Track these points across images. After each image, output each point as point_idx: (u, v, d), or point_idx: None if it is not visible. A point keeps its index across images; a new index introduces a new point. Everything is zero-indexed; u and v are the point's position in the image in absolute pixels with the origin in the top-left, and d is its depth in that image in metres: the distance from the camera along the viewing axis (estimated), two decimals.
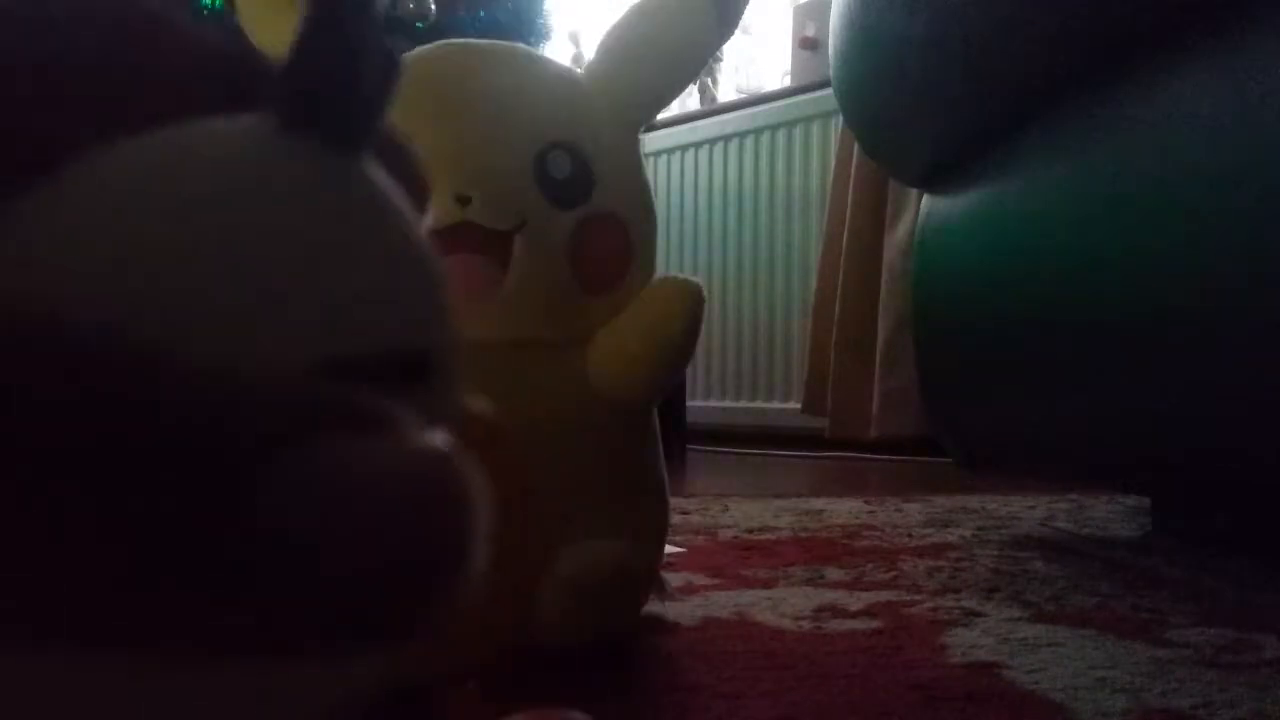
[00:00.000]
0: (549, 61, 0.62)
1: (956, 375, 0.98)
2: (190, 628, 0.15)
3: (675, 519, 1.00)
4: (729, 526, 1.05)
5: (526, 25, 1.58)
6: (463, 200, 0.52)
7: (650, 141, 2.49)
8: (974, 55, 0.81)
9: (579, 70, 0.60)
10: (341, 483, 0.15)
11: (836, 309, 2.11)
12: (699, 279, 0.56)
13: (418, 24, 1.47)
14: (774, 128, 2.37)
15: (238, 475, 0.15)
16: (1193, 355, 0.67)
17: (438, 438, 0.17)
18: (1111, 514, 1.16)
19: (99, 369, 0.15)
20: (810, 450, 2.13)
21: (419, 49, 0.59)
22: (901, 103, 0.95)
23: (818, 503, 1.28)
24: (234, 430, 0.15)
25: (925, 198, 1.04)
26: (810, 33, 2.33)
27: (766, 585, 0.74)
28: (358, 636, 0.16)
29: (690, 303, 0.55)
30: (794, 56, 2.42)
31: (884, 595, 0.71)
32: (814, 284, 2.21)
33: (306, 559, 0.15)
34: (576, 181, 0.55)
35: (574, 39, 2.64)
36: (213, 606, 0.15)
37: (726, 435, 2.33)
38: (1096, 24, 0.73)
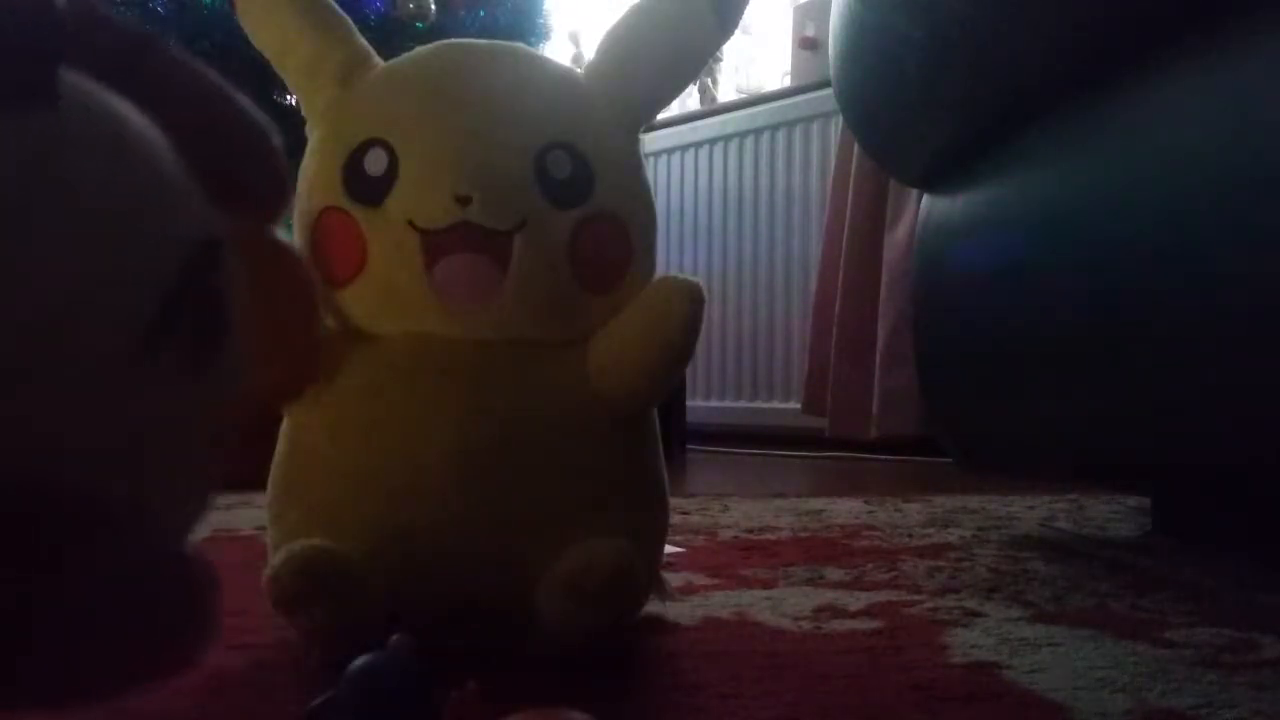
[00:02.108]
0: (549, 61, 0.62)
1: (956, 375, 0.98)
2: None
3: (675, 519, 1.00)
4: (729, 526, 1.05)
5: (526, 25, 1.58)
6: (463, 200, 0.52)
7: (650, 141, 2.49)
8: (974, 55, 0.81)
9: (579, 70, 0.60)
10: (97, 582, 0.18)
11: (836, 309, 2.11)
12: (699, 279, 0.56)
13: (418, 24, 1.47)
14: (774, 128, 2.37)
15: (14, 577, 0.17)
16: (1193, 355, 0.67)
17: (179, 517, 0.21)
18: (1111, 514, 1.16)
19: None
20: (810, 450, 2.13)
21: (419, 49, 0.59)
22: (901, 103, 0.95)
23: (818, 503, 1.28)
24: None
25: (925, 198, 1.04)
26: (810, 33, 2.33)
27: (766, 585, 0.74)
28: None
29: (690, 303, 0.55)
30: (794, 56, 2.42)
31: (884, 595, 0.71)
32: (814, 284, 2.21)
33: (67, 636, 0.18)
34: (576, 181, 0.55)
35: (574, 39, 2.65)
36: None
37: (726, 435, 2.33)
38: (1096, 24, 0.73)
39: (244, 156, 0.23)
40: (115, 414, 0.19)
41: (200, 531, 0.25)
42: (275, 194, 0.24)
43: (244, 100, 0.23)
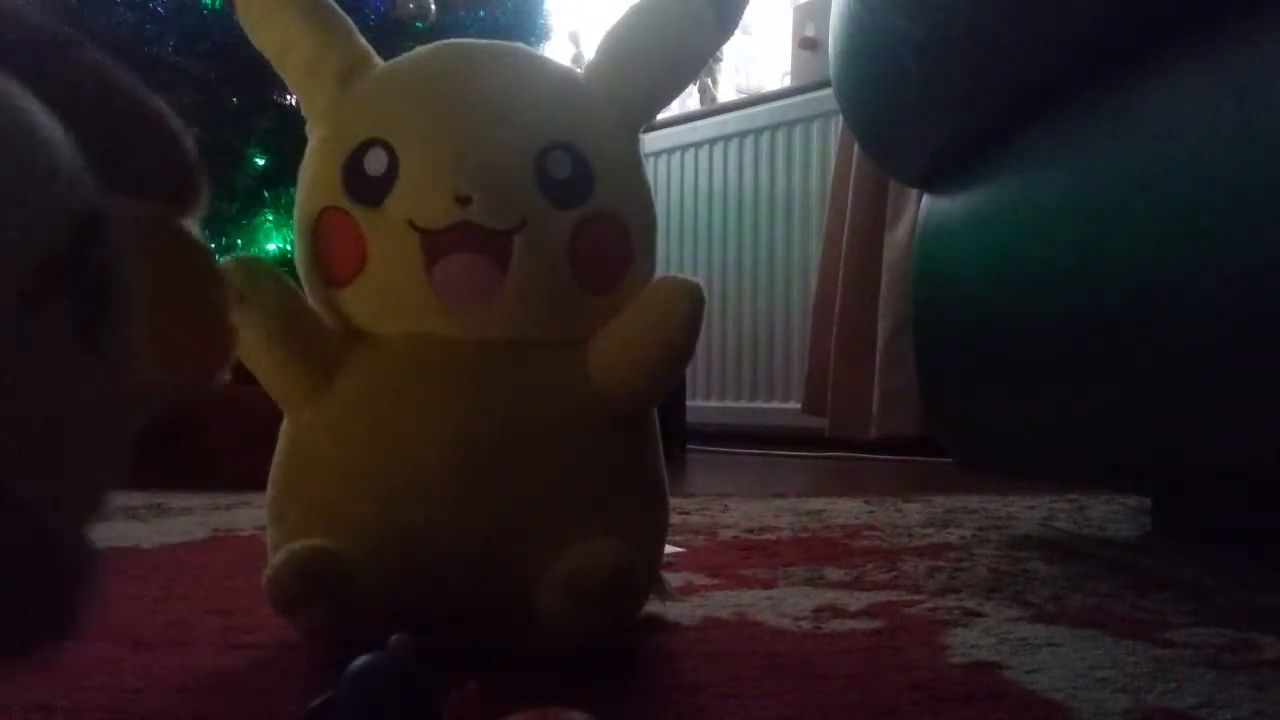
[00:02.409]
0: (549, 61, 0.62)
1: (956, 375, 0.98)
2: None
3: (675, 519, 1.00)
4: (729, 526, 1.05)
5: (526, 25, 1.59)
6: (463, 200, 0.52)
7: (650, 141, 2.49)
8: (974, 55, 0.81)
9: (579, 70, 0.60)
10: None
11: (836, 309, 2.11)
12: (699, 279, 0.56)
13: (418, 24, 1.47)
14: (774, 128, 2.37)
15: None
16: (1193, 355, 0.67)
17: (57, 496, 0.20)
18: (1111, 514, 1.16)
19: None
20: (810, 450, 2.13)
21: (419, 49, 0.59)
22: (901, 103, 0.95)
23: (818, 503, 1.28)
24: None
25: (925, 198, 1.04)
26: (810, 33, 2.33)
27: (766, 585, 0.74)
28: None
29: (690, 303, 0.55)
30: (794, 56, 2.42)
31: (884, 595, 0.71)
32: (814, 284, 2.21)
33: None
34: (576, 181, 0.55)
35: (574, 39, 2.65)
36: None
37: (726, 435, 2.33)
38: (1096, 24, 0.73)
39: (150, 151, 0.23)
40: None
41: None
42: (184, 187, 0.24)
43: (155, 101, 0.24)
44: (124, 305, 0.22)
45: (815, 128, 2.30)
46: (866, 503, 1.28)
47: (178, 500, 1.23)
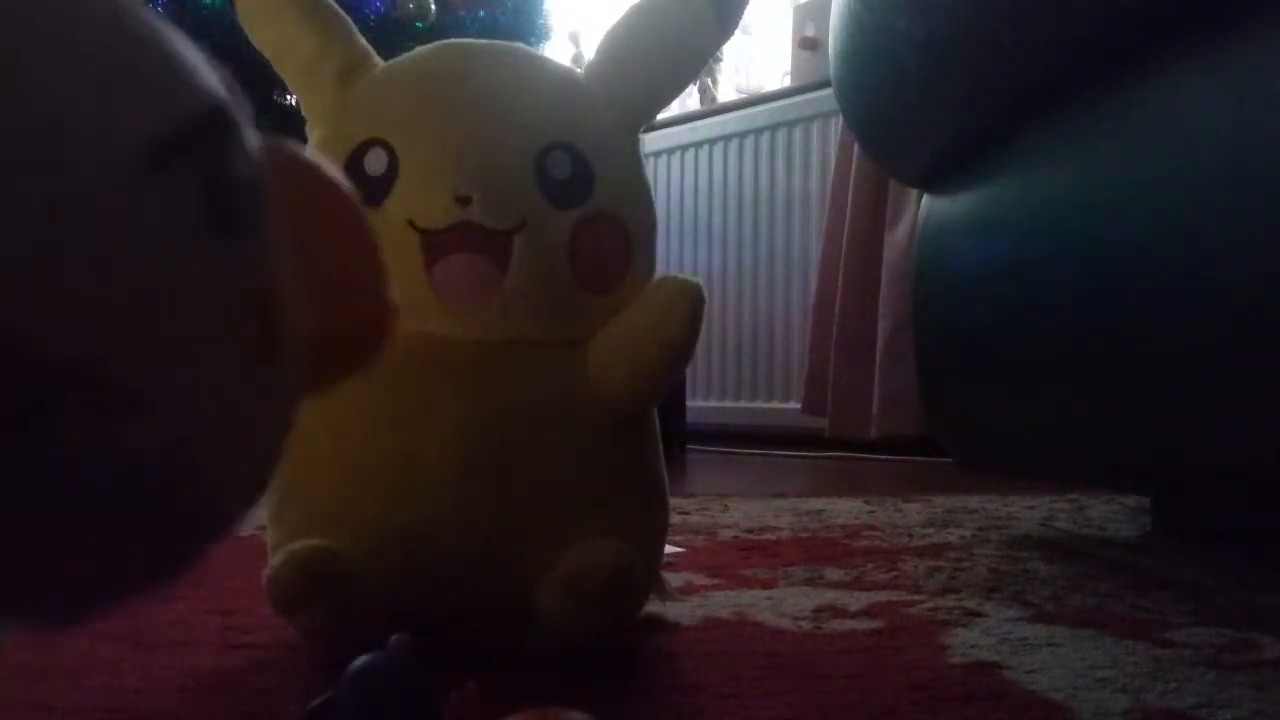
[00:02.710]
0: (549, 61, 0.62)
1: (956, 375, 0.98)
2: None
3: (675, 519, 1.00)
4: (729, 526, 1.05)
5: (526, 25, 1.58)
6: (463, 200, 0.52)
7: (650, 141, 2.49)
8: (974, 55, 0.81)
9: (579, 70, 0.60)
10: (79, 474, 0.17)
11: (836, 309, 2.11)
12: (699, 279, 0.56)
13: (418, 24, 1.47)
14: (774, 128, 2.37)
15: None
16: (1193, 354, 0.67)
17: (193, 415, 0.18)
18: (1111, 514, 1.15)
19: None
20: (810, 450, 2.13)
21: (419, 49, 0.59)
22: (901, 103, 0.95)
23: (818, 503, 1.28)
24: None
25: (925, 198, 1.04)
26: (810, 33, 2.33)
27: (766, 585, 0.74)
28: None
29: (690, 303, 0.55)
30: (794, 56, 2.42)
31: (884, 595, 0.71)
32: (814, 284, 2.21)
33: (39, 530, 0.17)
34: (576, 181, 0.55)
35: (574, 39, 2.65)
36: None
37: (726, 435, 2.33)
38: (1096, 24, 0.73)
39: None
40: (107, 247, 0.17)
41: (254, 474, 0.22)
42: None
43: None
44: (261, 209, 0.20)
45: (815, 128, 2.30)
46: (866, 503, 1.28)
47: None
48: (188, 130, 0.19)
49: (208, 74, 0.20)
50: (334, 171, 0.25)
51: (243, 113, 0.20)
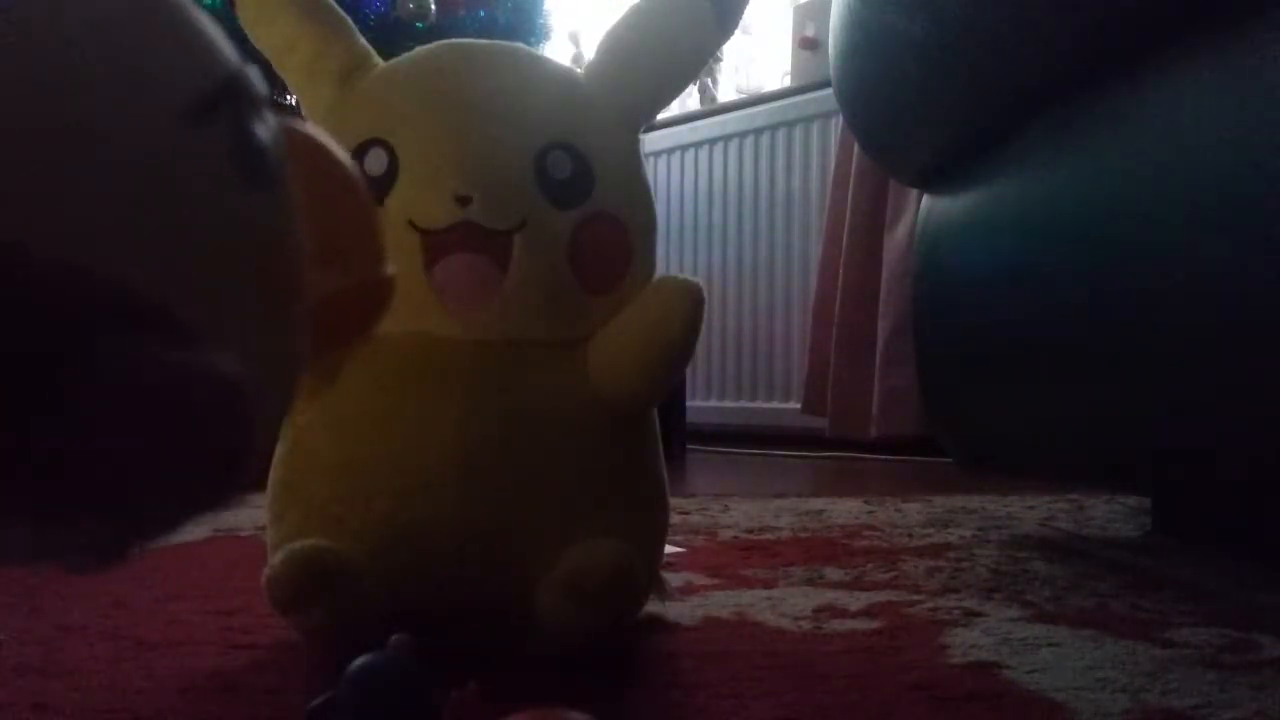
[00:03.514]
0: (549, 61, 0.62)
1: (956, 375, 0.98)
2: None
3: (675, 519, 1.00)
4: (729, 526, 1.05)
5: (526, 25, 1.58)
6: (463, 200, 0.52)
7: (650, 141, 2.49)
8: (974, 55, 0.81)
9: (579, 70, 0.60)
10: (132, 390, 0.18)
11: (836, 309, 2.11)
12: (699, 279, 0.56)
13: (418, 24, 1.47)
14: (774, 128, 2.37)
15: (43, 369, 0.17)
16: (1193, 354, 0.67)
17: (226, 362, 0.20)
18: (1111, 514, 1.16)
19: None
20: (810, 450, 2.13)
21: (419, 49, 0.59)
22: (901, 103, 0.95)
23: (818, 503, 1.28)
24: (44, 330, 0.17)
25: (925, 198, 1.04)
26: (810, 33, 2.33)
27: (766, 585, 0.74)
28: (122, 508, 0.20)
29: (690, 303, 0.55)
30: (794, 56, 2.42)
31: (884, 595, 0.71)
32: (814, 284, 2.21)
33: (92, 446, 0.18)
34: (576, 181, 0.55)
35: (574, 39, 2.65)
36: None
37: (726, 435, 2.33)
38: (1096, 24, 0.73)
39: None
40: (158, 193, 0.19)
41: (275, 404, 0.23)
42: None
43: None
44: (280, 170, 0.22)
45: (815, 128, 2.30)
46: (866, 503, 1.28)
47: None
48: (218, 92, 0.21)
49: (227, 46, 0.22)
50: (337, 148, 0.27)
51: (259, 83, 0.23)
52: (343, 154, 0.28)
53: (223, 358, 0.20)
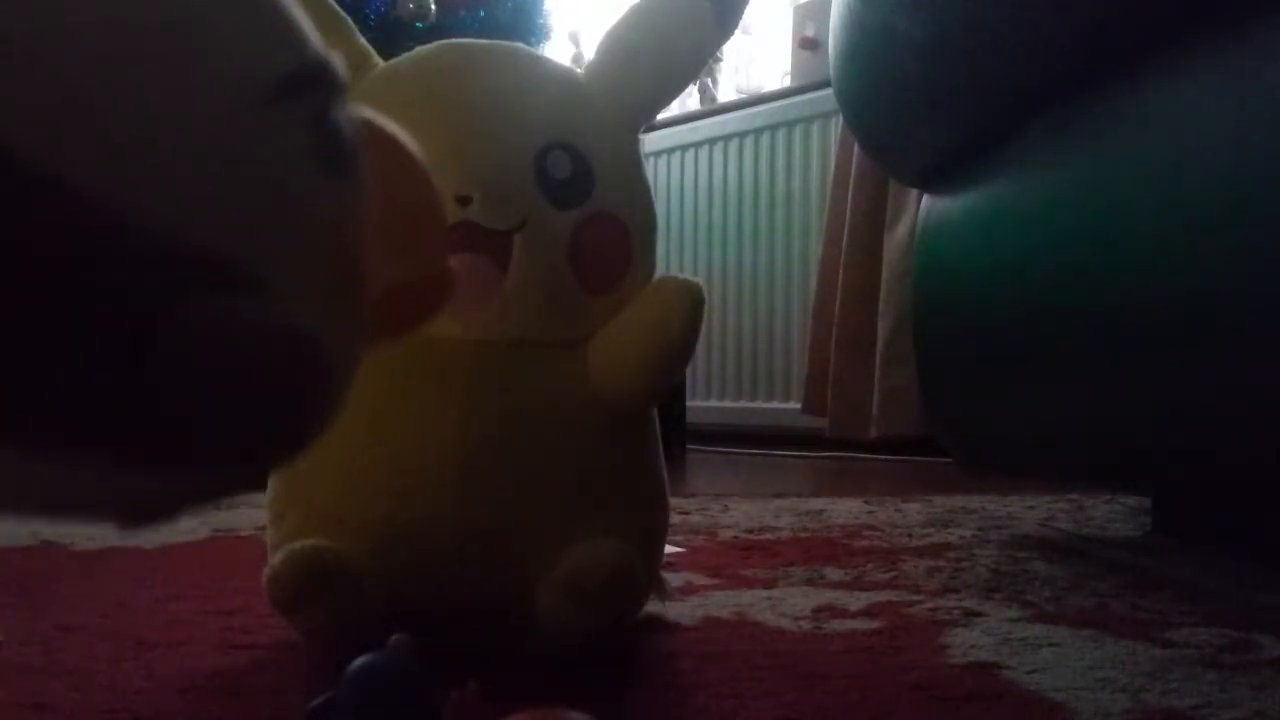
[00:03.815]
0: (549, 61, 0.62)
1: (956, 375, 0.98)
2: (77, 431, 0.19)
3: (675, 519, 1.00)
4: (729, 526, 1.05)
5: (526, 25, 1.58)
6: (463, 200, 0.52)
7: (650, 141, 2.49)
8: (974, 55, 0.81)
9: (579, 70, 0.60)
10: (219, 343, 0.19)
11: (836, 309, 2.11)
12: (699, 279, 0.56)
13: (418, 24, 1.47)
14: (774, 128, 2.37)
15: (138, 322, 0.18)
16: (1193, 354, 0.67)
17: (310, 311, 0.21)
18: (1111, 514, 1.16)
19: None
20: (810, 450, 2.13)
21: (419, 49, 0.59)
22: (901, 103, 0.95)
23: (818, 503, 1.28)
24: (140, 286, 0.18)
25: (925, 198, 1.04)
26: (810, 33, 2.33)
27: (766, 585, 0.74)
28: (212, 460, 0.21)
29: (690, 303, 0.55)
30: (794, 56, 2.42)
31: (884, 595, 0.71)
32: (814, 284, 2.21)
33: (185, 396, 0.19)
34: (576, 181, 0.55)
35: (574, 39, 2.65)
36: (102, 419, 0.19)
37: (726, 435, 2.33)
38: (1096, 24, 0.73)
39: None
40: (239, 165, 0.20)
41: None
42: None
43: None
44: (355, 160, 0.23)
45: (815, 128, 2.30)
46: (866, 503, 1.28)
47: None
48: (301, 76, 0.22)
49: (314, 34, 0.23)
50: (411, 143, 0.28)
51: (341, 72, 0.23)
52: (416, 149, 0.28)
53: (301, 316, 0.21)
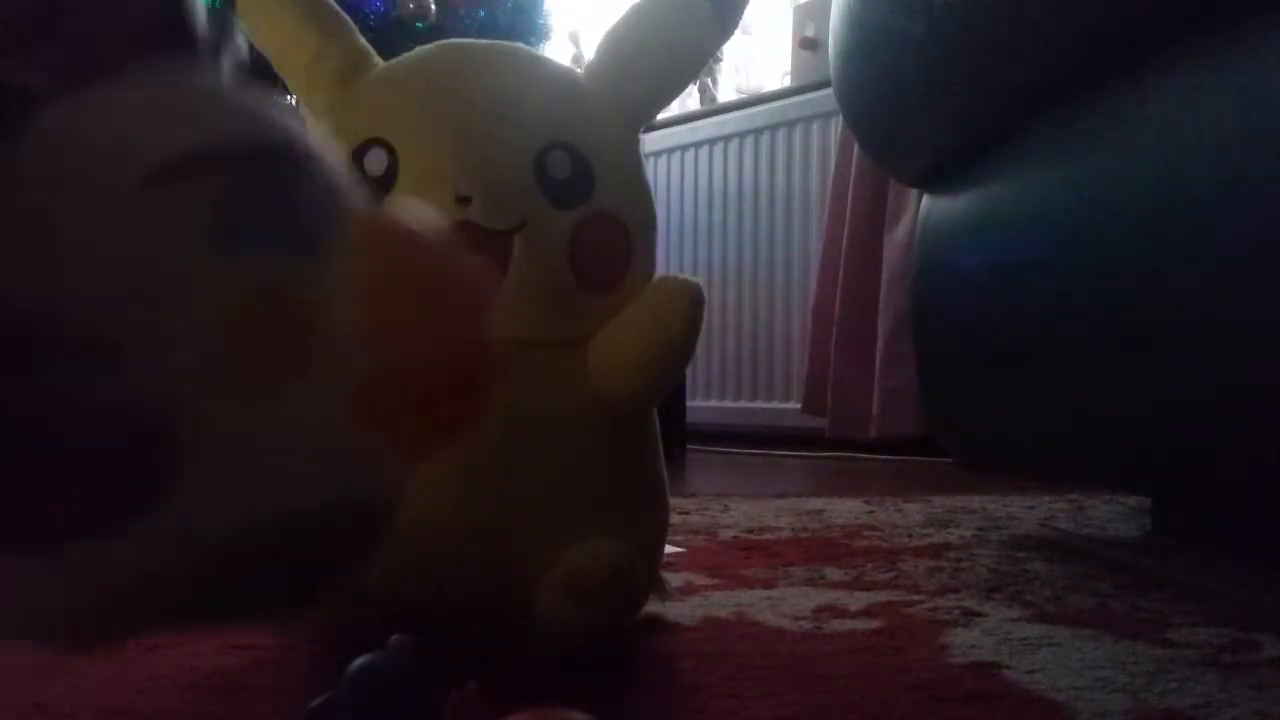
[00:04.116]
0: (549, 61, 0.62)
1: (956, 375, 0.98)
2: None
3: (675, 519, 1.00)
4: (729, 526, 1.05)
5: (526, 25, 1.58)
6: (463, 200, 0.52)
7: (650, 141, 2.49)
8: (974, 55, 0.81)
9: (579, 70, 0.60)
10: (63, 411, 0.20)
11: (836, 309, 2.11)
12: (699, 279, 0.56)
13: (418, 24, 1.47)
14: (774, 128, 2.37)
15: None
16: (1193, 354, 0.67)
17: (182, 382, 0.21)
18: (1111, 514, 1.16)
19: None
20: (810, 450, 2.13)
21: (419, 49, 0.59)
22: (901, 103, 0.95)
23: (818, 503, 1.28)
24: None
25: (925, 198, 1.04)
26: (810, 33, 2.33)
27: (766, 585, 0.74)
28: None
29: (690, 303, 0.55)
30: (794, 56, 2.42)
31: (884, 595, 0.71)
32: (814, 284, 2.21)
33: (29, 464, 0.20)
34: (576, 181, 0.55)
35: (574, 39, 2.64)
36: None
37: (726, 435, 2.33)
38: (1097, 24, 0.73)
39: None
40: (106, 242, 0.21)
41: None
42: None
43: None
44: (291, 234, 0.23)
45: (815, 128, 2.30)
46: (866, 503, 1.28)
47: None
48: (195, 160, 0.22)
49: (250, 120, 0.23)
50: (434, 237, 0.27)
51: (297, 156, 0.23)
52: (431, 228, 0.27)
53: (164, 387, 0.21)
